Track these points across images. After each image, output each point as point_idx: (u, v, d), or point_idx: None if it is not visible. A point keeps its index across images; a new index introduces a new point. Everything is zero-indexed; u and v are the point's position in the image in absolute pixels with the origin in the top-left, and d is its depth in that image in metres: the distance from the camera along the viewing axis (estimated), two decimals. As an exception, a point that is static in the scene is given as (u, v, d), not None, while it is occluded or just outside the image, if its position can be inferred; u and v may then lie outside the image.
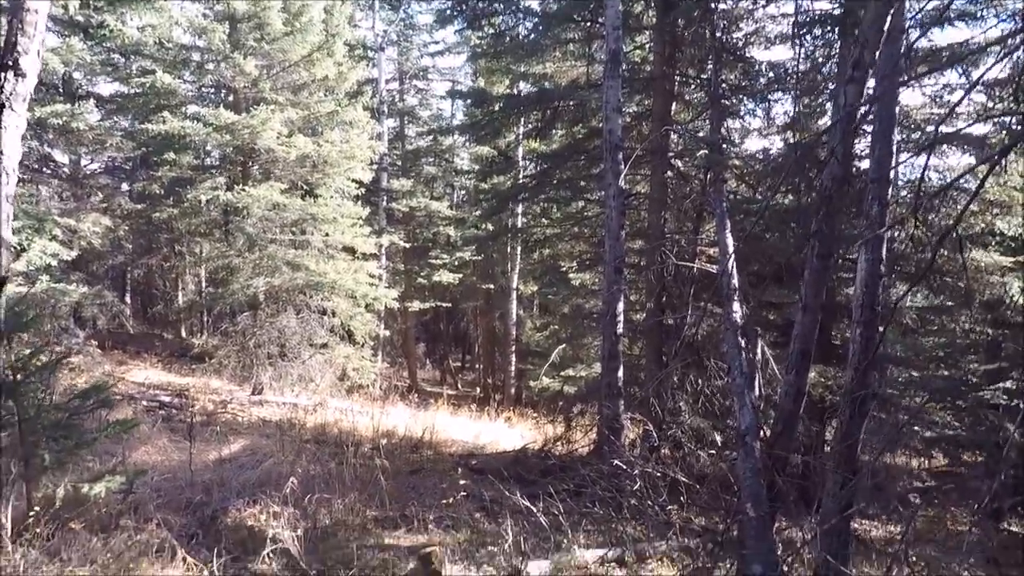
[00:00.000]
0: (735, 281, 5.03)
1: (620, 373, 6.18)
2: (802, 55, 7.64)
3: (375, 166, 16.04)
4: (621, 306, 6.29)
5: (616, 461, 5.73)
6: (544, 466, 9.13)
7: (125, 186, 16.12)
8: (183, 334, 21.57)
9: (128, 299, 21.15)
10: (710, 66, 6.99)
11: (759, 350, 4.51)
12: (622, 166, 6.27)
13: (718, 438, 5.27)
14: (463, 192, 22.99)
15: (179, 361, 14.92)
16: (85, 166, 16.55)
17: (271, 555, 4.22)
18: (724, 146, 6.33)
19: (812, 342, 4.06)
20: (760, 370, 4.46)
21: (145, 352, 15.40)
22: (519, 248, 18.25)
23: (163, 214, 11.74)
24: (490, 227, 14.95)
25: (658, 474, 5.06)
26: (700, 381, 5.45)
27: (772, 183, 6.41)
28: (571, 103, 8.62)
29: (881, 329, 4.58)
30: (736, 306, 4.80)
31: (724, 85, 7.09)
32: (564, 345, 7.92)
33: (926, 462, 9.70)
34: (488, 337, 21.66)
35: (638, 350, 10.35)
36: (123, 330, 18.54)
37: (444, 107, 19.54)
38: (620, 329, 6.26)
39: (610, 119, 6.21)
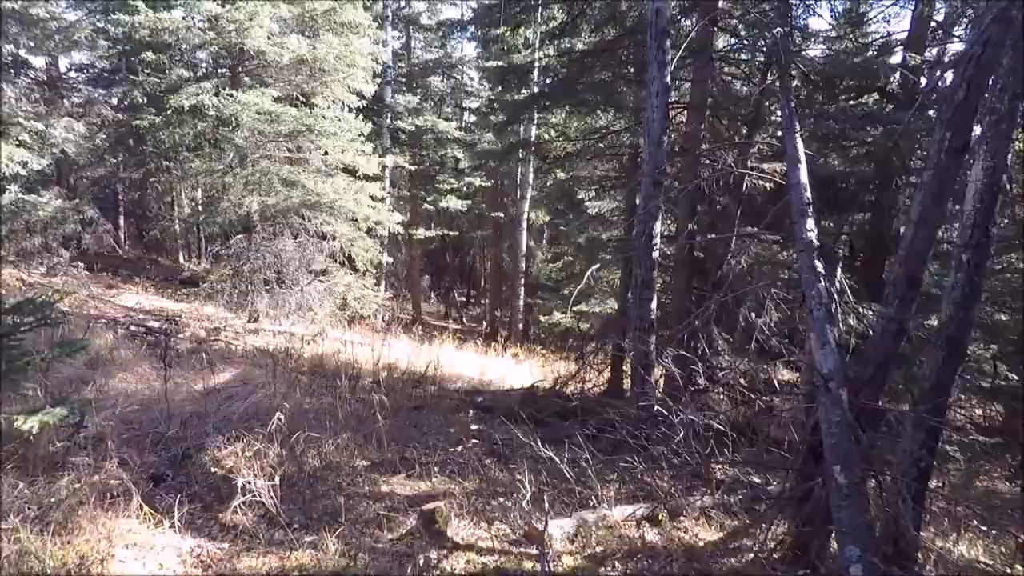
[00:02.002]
0: (808, 193, 4.07)
1: (654, 304, 5.33)
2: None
3: (378, 79, 14.71)
4: (659, 226, 5.36)
5: (648, 404, 4.96)
6: (558, 406, 8.46)
7: (108, 94, 14.94)
8: (180, 259, 20.83)
9: (122, 222, 20.28)
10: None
11: (837, 279, 3.60)
12: (668, 55, 5.19)
13: (776, 380, 4.45)
14: (473, 117, 21.58)
15: (173, 286, 14.21)
16: (64, 72, 15.33)
17: (242, 506, 3.51)
18: (791, 34, 5.21)
19: (923, 266, 3.16)
20: (837, 302, 3.56)
21: (138, 276, 14.67)
22: (531, 174, 17.10)
23: (144, 122, 10.63)
24: (504, 142, 13.76)
25: (700, 421, 4.27)
26: (749, 315, 4.59)
27: (855, 82, 5.33)
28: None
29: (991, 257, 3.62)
30: (811, 223, 3.86)
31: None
32: (591, 272, 7.05)
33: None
34: (496, 269, 20.81)
35: (663, 282, 9.49)
36: (115, 253, 17.79)
37: (453, 13, 17.84)
38: (656, 253, 5.36)
39: (658, -3, 5.09)
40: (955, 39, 7.42)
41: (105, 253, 17.90)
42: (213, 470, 4.22)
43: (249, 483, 3.49)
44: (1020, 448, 9.19)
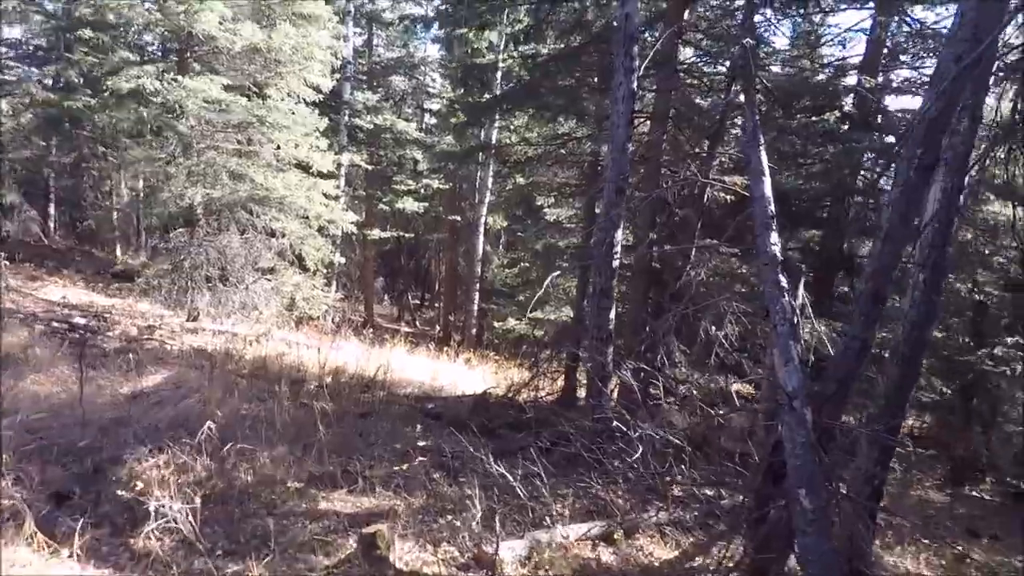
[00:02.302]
0: (772, 207, 4.00)
1: (612, 314, 5.19)
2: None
3: (337, 75, 14.26)
4: (619, 235, 5.23)
5: (604, 416, 4.81)
6: (511, 415, 8.25)
7: (41, 73, 13.98)
8: (117, 251, 19.70)
9: (52, 210, 19.04)
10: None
11: (800, 293, 3.53)
12: (636, 62, 5.09)
13: (733, 393, 4.37)
14: (433, 120, 21.28)
15: (105, 280, 13.35)
16: (-5, 48, 14.27)
17: (157, 531, 3.15)
18: (756, 48, 5.20)
19: (888, 282, 3.11)
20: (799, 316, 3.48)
21: (66, 268, 13.73)
22: (490, 178, 16.91)
23: (76, 103, 9.93)
24: (464, 144, 13.52)
25: (657, 436, 4.14)
26: (709, 328, 4.51)
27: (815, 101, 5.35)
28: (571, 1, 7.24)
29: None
30: (774, 237, 3.79)
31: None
32: (550, 279, 6.88)
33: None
34: (451, 273, 20.51)
35: (619, 292, 9.44)
36: (41, 242, 16.66)
37: (417, 11, 17.51)
38: (617, 262, 5.23)
39: (628, 1, 4.97)
40: (904, 65, 7.62)
41: (31, 243, 16.76)
42: (130, 486, 3.82)
43: (163, 506, 3.13)
44: (950, 459, 9.56)
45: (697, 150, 6.51)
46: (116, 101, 10.21)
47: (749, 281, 5.53)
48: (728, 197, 5.33)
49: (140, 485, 3.41)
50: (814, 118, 5.62)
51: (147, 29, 10.02)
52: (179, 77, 9.50)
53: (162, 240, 11.35)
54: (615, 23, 9.34)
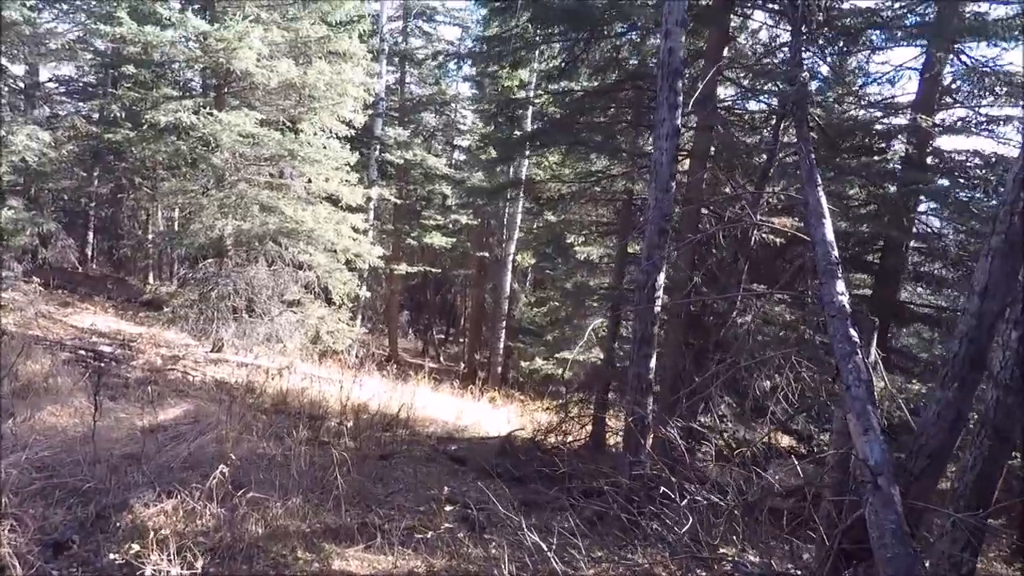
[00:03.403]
0: (836, 252, 3.67)
1: (653, 363, 4.85)
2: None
3: (369, 111, 14.42)
4: (662, 278, 4.93)
5: (643, 474, 4.42)
6: (538, 460, 7.86)
7: (86, 107, 14.43)
8: (150, 279, 19.97)
9: (91, 237, 19.46)
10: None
11: (873, 350, 3.16)
12: (680, 97, 4.86)
13: (791, 454, 3.94)
14: (464, 155, 21.42)
15: (135, 308, 13.43)
16: (43, 83, 14.80)
17: (154, 594, 2.86)
18: (808, 81, 4.93)
19: (989, 344, 2.73)
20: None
21: (98, 295, 13.86)
22: (519, 215, 16.78)
23: (116, 136, 10.10)
24: (494, 180, 13.42)
25: (703, 500, 3.74)
26: (761, 381, 4.12)
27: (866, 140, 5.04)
28: (610, 33, 7.10)
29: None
30: (840, 285, 3.44)
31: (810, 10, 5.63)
32: (592, 327, 6.53)
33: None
34: (477, 310, 20.28)
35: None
36: (79, 269, 16.93)
37: (447, 60, 17.82)
38: (659, 306, 4.91)
39: (671, 35, 4.78)
40: (959, 104, 7.26)
41: (68, 269, 17.06)
42: (131, 536, 3.55)
43: (160, 572, 2.83)
44: (1020, 530, 8.74)
45: (740, 190, 6.21)
46: (155, 134, 10.37)
47: (799, 329, 5.15)
48: (777, 240, 5.00)
49: (136, 548, 3.12)
50: (873, 158, 5.31)
51: (188, 65, 10.21)
52: (215, 111, 9.60)
53: (191, 270, 11.36)
54: (657, 59, 9.25)
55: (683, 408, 4.99)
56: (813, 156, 4.38)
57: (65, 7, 11.45)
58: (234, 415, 7.15)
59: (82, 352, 8.92)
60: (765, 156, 5.48)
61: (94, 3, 11.23)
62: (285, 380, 10.41)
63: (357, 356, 15.19)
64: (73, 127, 11.79)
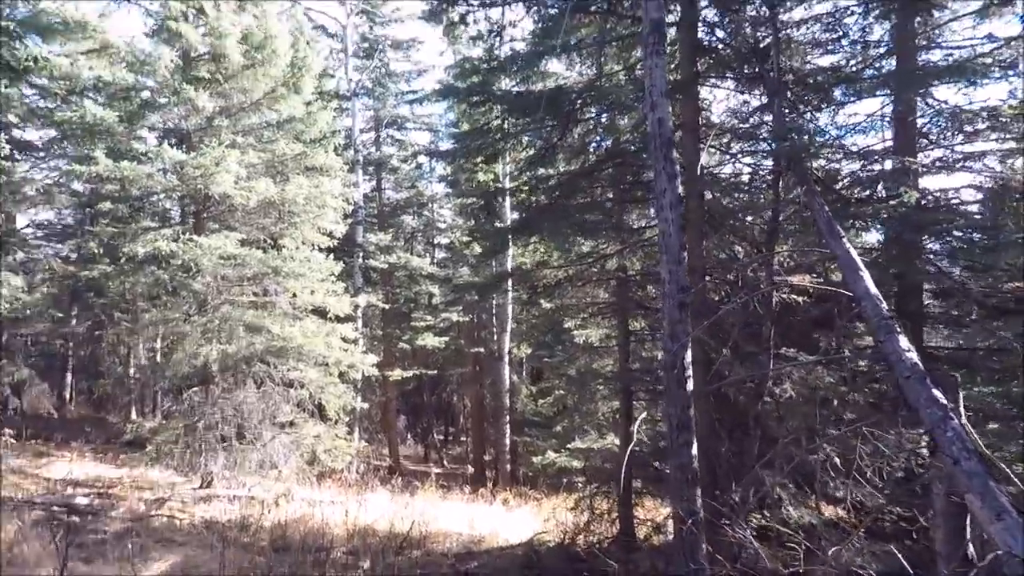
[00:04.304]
0: (885, 305, 3.35)
1: (694, 450, 4.38)
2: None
3: (349, 219, 14.44)
4: (690, 355, 4.55)
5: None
6: (569, 568, 7.10)
7: (64, 248, 14.26)
8: (132, 415, 19.07)
9: (69, 379, 18.74)
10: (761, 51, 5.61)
11: (961, 411, 2.76)
12: (677, 167, 4.71)
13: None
14: (447, 252, 21.49)
15: (116, 450, 12.59)
16: (20, 228, 14.68)
17: None
18: (805, 136, 4.84)
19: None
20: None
21: (76, 441, 13.03)
22: (510, 305, 16.54)
23: (93, 272, 9.81)
24: (483, 274, 13.21)
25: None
26: (823, 460, 3.66)
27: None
28: (585, 117, 7.15)
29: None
30: (904, 341, 3.09)
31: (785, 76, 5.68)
32: (638, 423, 6.00)
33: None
34: (477, 407, 19.56)
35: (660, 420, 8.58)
36: (55, 414, 16.10)
37: (423, 159, 18.28)
38: (691, 386, 4.50)
39: (658, 106, 4.70)
40: (934, 145, 7.28)
41: (45, 415, 16.20)
42: None
43: None
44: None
45: (751, 255, 6.01)
46: (133, 266, 10.12)
47: (840, 392, 4.75)
48: (800, 299, 4.71)
49: None
50: (889, 203, 5.17)
51: (166, 195, 10.15)
52: (195, 237, 9.42)
53: (175, 402, 10.75)
54: (628, 138, 9.36)
55: (733, 497, 4.47)
56: (827, 209, 4.16)
57: (42, 154, 11.49)
58: (228, 563, 6.41)
59: (55, 508, 8.12)
60: (770, 214, 5.31)
61: (70, 148, 11.27)
62: (283, 510, 9.60)
63: (358, 472, 14.30)
64: (49, 269, 11.51)
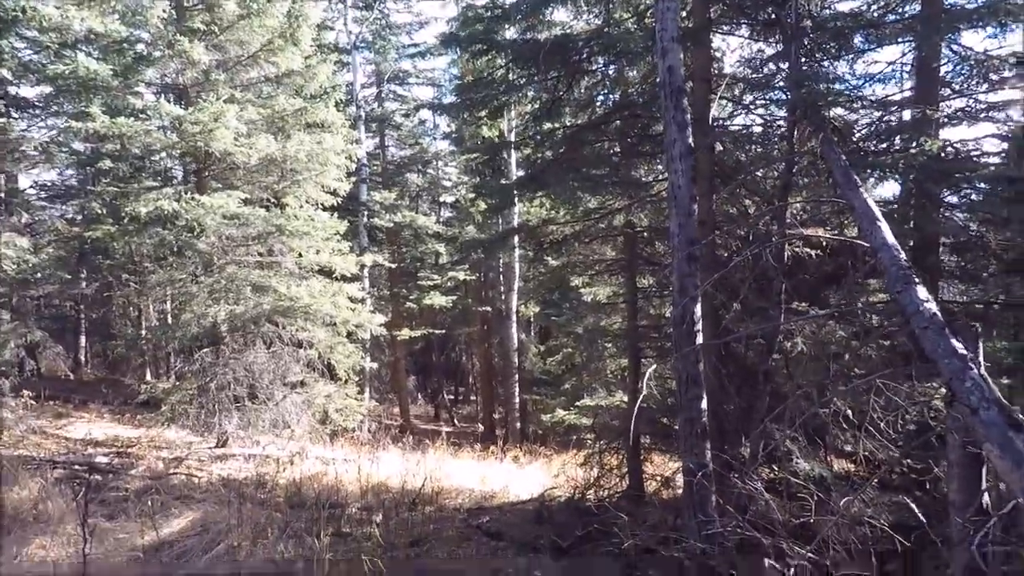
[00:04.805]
0: (903, 255, 3.24)
1: (704, 404, 4.35)
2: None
3: (353, 178, 14.24)
4: (699, 309, 4.48)
5: (717, 532, 3.87)
6: (580, 523, 7.21)
7: (69, 209, 14.19)
8: (147, 377, 19.37)
9: (83, 341, 18.98)
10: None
11: (981, 362, 2.69)
12: (687, 115, 4.54)
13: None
14: (452, 211, 21.30)
15: (133, 410, 12.82)
16: (23, 189, 14.60)
17: None
18: (823, 83, 4.64)
19: None
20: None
21: (94, 402, 13.26)
22: (517, 264, 16.45)
23: (97, 232, 9.77)
24: (489, 232, 13.09)
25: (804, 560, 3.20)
26: (840, 412, 3.62)
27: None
28: (595, 64, 6.89)
29: None
30: (922, 291, 3.00)
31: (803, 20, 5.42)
32: (650, 372, 5.94)
33: None
34: (486, 367, 19.71)
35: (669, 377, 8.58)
36: (72, 376, 16.37)
37: (426, 115, 17.93)
38: (700, 340, 4.45)
39: (668, 53, 4.50)
40: (957, 95, 7.00)
41: (62, 377, 16.47)
42: None
43: None
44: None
45: (754, 210, 5.86)
46: (137, 227, 10.06)
47: (851, 347, 4.68)
48: (814, 253, 4.59)
49: None
50: (909, 151, 4.98)
51: (166, 153, 9.98)
52: (196, 196, 9.31)
53: (187, 363, 10.85)
54: (636, 90, 9.07)
55: (742, 451, 4.46)
56: (844, 159, 4.00)
57: (39, 112, 11.30)
58: (245, 519, 6.55)
59: (76, 467, 8.30)
60: (783, 166, 5.14)
61: (67, 105, 11.07)
62: (297, 468, 9.78)
63: (370, 431, 14.53)
64: (55, 230, 11.48)
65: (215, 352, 10.66)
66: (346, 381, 12.07)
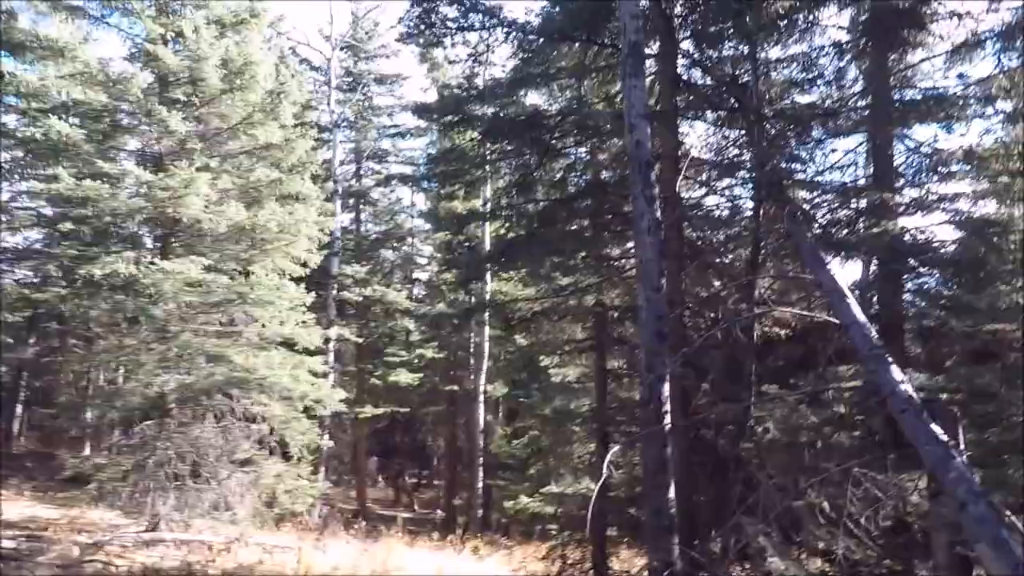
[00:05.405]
0: (874, 333, 3.12)
1: (671, 493, 4.04)
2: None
3: (325, 251, 14.11)
4: (667, 389, 4.26)
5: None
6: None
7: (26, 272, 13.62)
8: (87, 450, 18.05)
9: (19, 410, 17.77)
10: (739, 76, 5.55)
11: (962, 448, 2.50)
12: (656, 190, 4.53)
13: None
14: (425, 289, 21.17)
15: (58, 487, 11.76)
16: (-22, 250, 14.05)
17: None
18: (784, 166, 4.72)
19: None
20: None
21: (16, 477, 12.16)
22: (486, 343, 16.16)
23: (46, 295, 9.30)
24: (460, 307, 12.86)
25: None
26: (818, 503, 3.35)
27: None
28: (563, 149, 7.02)
29: None
30: (897, 372, 2.85)
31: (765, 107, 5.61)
32: (611, 455, 5.60)
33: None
34: (451, 449, 18.92)
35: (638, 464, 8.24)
36: (-1, 448, 15.15)
37: (403, 194, 18.16)
38: (668, 421, 4.20)
39: (636, 128, 4.55)
40: (909, 184, 7.22)
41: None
42: None
43: None
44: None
45: (723, 291, 5.81)
46: (90, 290, 9.62)
47: (824, 434, 4.48)
48: (783, 332, 4.47)
49: None
50: (872, 232, 5.02)
51: (129, 217, 9.72)
52: (156, 261, 9.01)
53: (124, 435, 10.09)
54: (607, 175, 9.27)
55: (713, 547, 4.12)
56: (811, 235, 3.97)
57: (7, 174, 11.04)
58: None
59: (-20, 552, 7.39)
60: (751, 246, 5.12)
61: (34, 170, 10.87)
62: (233, 557, 8.93)
63: (320, 516, 13.55)
64: (3, 292, 10.91)
65: (159, 425, 9.95)
66: (299, 460, 11.34)
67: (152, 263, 9.13)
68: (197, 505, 9.94)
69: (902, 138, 7.18)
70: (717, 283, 6.31)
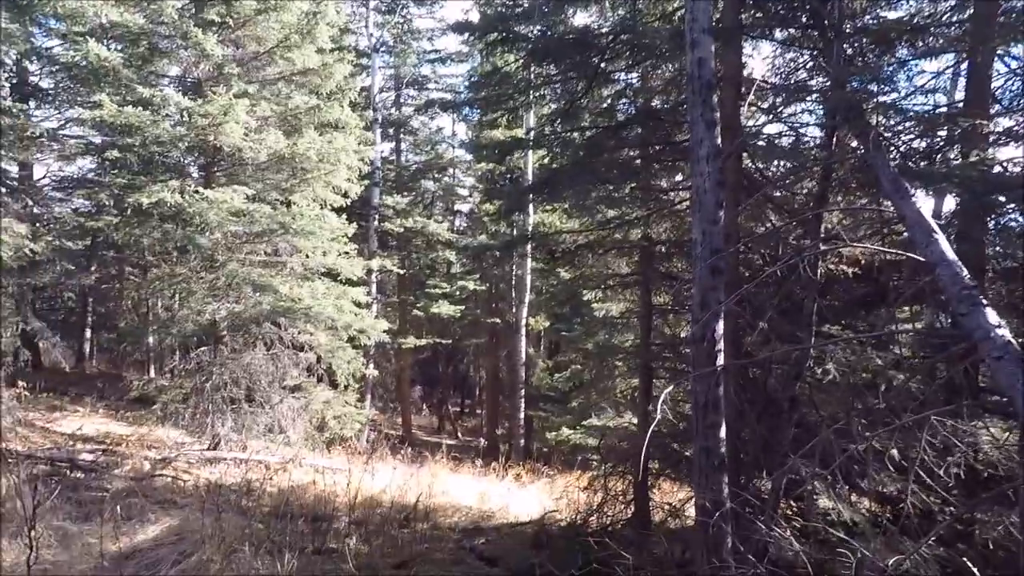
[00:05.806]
0: (966, 272, 2.79)
1: (723, 432, 3.90)
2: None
3: (366, 181, 13.99)
4: (722, 326, 4.04)
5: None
6: (582, 552, 6.73)
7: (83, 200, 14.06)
8: (151, 373, 19.14)
9: (89, 334, 18.81)
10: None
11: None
12: (717, 113, 4.14)
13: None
14: (466, 220, 21.02)
15: (128, 407, 12.53)
16: (38, 179, 14.49)
17: None
18: (864, 88, 4.25)
19: None
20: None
21: (89, 396, 12.99)
22: (528, 275, 16.05)
23: (99, 224, 9.54)
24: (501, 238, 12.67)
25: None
26: (886, 451, 3.16)
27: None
28: (617, 65, 6.53)
29: None
30: (992, 315, 2.54)
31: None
32: (665, 394, 5.49)
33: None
34: (493, 380, 19.25)
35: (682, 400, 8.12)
36: (70, 369, 16.17)
37: (444, 123, 17.72)
38: (721, 360, 4.01)
39: (699, 44, 4.11)
40: (1006, 113, 6.49)
41: (63, 369, 16.27)
42: None
43: None
44: None
45: (783, 226, 5.42)
46: (139, 219, 9.82)
47: (886, 375, 4.21)
48: (850, 270, 4.14)
49: None
50: (968, 160, 4.54)
51: (172, 145, 9.73)
52: (200, 190, 9.05)
53: (183, 360, 10.54)
54: (659, 101, 8.68)
55: (762, 487, 3.99)
56: (893, 164, 3.56)
57: (49, 100, 11.18)
58: (225, 528, 6.15)
59: (59, 464, 7.97)
60: (819, 176, 4.70)
61: (80, 96, 10.94)
62: (288, 476, 9.39)
63: (368, 441, 14.12)
64: (61, 219, 11.31)
65: (213, 351, 10.34)
66: (346, 387, 11.71)
67: (196, 192, 9.19)
68: (253, 427, 10.44)
69: (1001, 57, 6.38)
70: (775, 218, 5.89)
